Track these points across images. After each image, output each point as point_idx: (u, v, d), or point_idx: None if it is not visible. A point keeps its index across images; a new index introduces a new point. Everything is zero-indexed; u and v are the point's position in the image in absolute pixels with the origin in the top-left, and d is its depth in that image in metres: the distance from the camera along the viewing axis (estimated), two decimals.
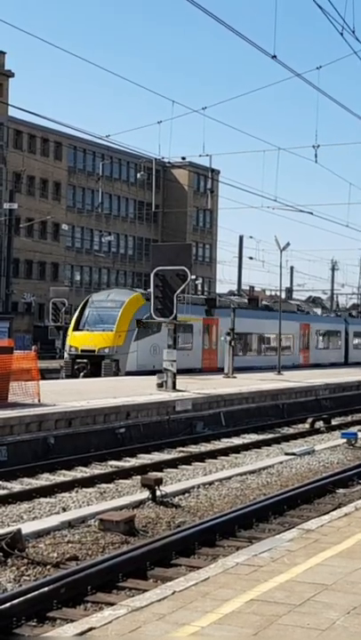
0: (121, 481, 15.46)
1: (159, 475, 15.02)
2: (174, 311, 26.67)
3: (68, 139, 70.73)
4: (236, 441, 21.90)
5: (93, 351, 34.64)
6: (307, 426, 25.10)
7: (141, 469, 16.42)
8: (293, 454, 18.76)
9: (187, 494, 14.07)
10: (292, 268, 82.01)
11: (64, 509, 12.84)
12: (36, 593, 8.04)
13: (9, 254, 53.58)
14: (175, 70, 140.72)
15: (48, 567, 9.45)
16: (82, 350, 34.96)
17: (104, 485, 15.04)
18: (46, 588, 8.15)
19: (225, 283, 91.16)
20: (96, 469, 17.07)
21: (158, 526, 11.67)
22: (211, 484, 15.01)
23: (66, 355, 36.26)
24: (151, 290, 27.06)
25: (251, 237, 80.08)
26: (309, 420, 25.47)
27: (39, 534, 10.88)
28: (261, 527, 11.73)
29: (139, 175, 58.49)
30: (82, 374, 34.13)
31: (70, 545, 10.47)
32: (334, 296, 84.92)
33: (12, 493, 14.02)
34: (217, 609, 6.30)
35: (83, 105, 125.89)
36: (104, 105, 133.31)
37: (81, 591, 8.45)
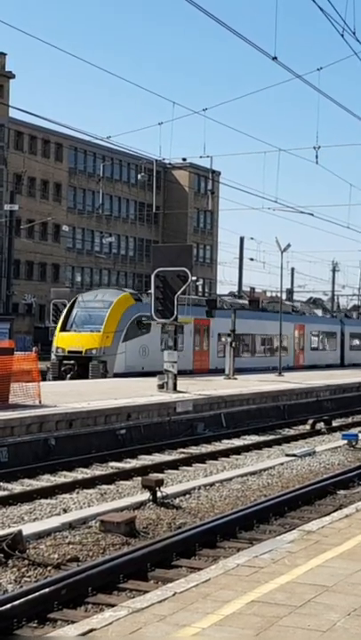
0: (122, 482, 15.46)
1: (160, 476, 15.01)
2: (175, 312, 26.67)
3: (68, 140, 70.77)
4: (237, 442, 21.90)
5: (81, 352, 34.02)
6: (307, 427, 25.10)
7: (142, 470, 16.42)
8: (294, 455, 18.76)
9: (187, 495, 14.06)
10: (292, 269, 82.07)
11: (65, 510, 12.83)
12: (37, 594, 8.04)
13: (10, 255, 53.60)
14: (176, 71, 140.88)
15: (49, 568, 9.45)
16: (69, 351, 34.32)
17: (105, 486, 15.04)
18: (47, 590, 8.15)
19: (226, 284, 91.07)
20: (97, 470, 17.07)
21: (159, 527, 11.67)
22: (211, 485, 15.00)
23: (53, 356, 35.63)
24: (152, 290, 27.05)
25: (251, 239, 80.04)
26: (310, 422, 25.47)
27: (40, 535, 10.88)
28: (262, 528, 11.72)
29: (139, 176, 58.63)
30: (69, 376, 33.57)
31: (71, 546, 10.47)
32: (335, 297, 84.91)
33: (12, 494, 14.02)
34: (218, 610, 6.30)
35: (83, 106, 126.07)
36: (104, 106, 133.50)
37: (82, 592, 8.45)
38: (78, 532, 11.22)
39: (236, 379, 34.51)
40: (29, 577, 9.20)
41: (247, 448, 20.51)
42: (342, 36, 21.25)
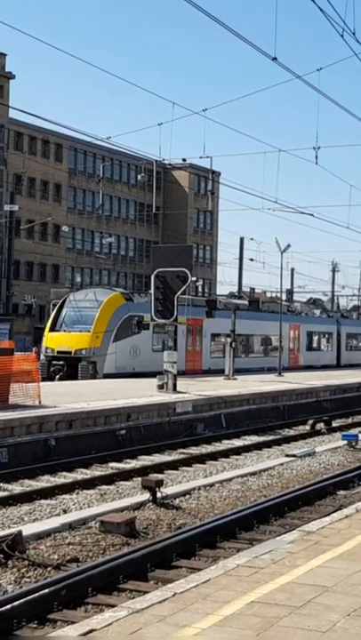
0: (121, 482, 15.46)
1: (160, 476, 15.01)
2: (175, 313, 26.67)
3: (68, 140, 70.76)
4: (237, 442, 21.90)
5: (70, 353, 33.53)
6: (307, 427, 25.11)
7: (142, 471, 16.42)
8: (294, 456, 18.76)
9: (187, 496, 14.06)
10: (292, 269, 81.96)
11: (65, 511, 12.84)
12: (37, 595, 8.04)
13: (9, 256, 53.60)
14: (175, 72, 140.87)
15: (49, 569, 9.45)
16: (58, 352, 33.82)
17: (105, 487, 15.04)
18: (47, 590, 8.15)
19: (226, 284, 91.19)
20: (97, 471, 17.08)
21: (159, 528, 11.67)
22: (211, 485, 15.01)
23: (42, 356, 34.93)
24: (152, 291, 27.05)
25: (251, 239, 79.74)
26: (310, 422, 25.48)
27: (40, 536, 10.88)
28: (262, 529, 11.72)
29: (139, 177, 58.61)
30: (57, 377, 33.17)
31: (71, 547, 10.47)
32: (335, 298, 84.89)
33: (12, 495, 14.03)
34: (218, 611, 6.30)
35: (83, 106, 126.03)
36: (104, 106, 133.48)
37: (81, 593, 8.45)
38: (78, 532, 11.22)
39: (235, 379, 34.51)
40: (29, 577, 9.20)
41: (247, 448, 20.51)
42: (342, 36, 21.25)
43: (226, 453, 19.55)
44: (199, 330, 39.60)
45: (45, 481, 15.88)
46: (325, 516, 10.83)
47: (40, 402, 20.85)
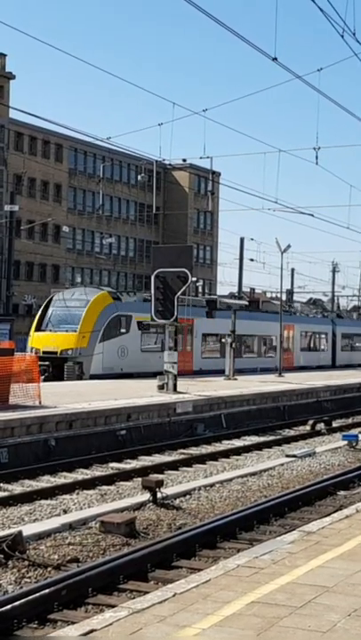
0: (122, 483, 15.46)
1: (160, 476, 15.01)
2: (175, 313, 26.68)
3: (68, 141, 70.75)
4: (237, 443, 21.90)
5: (56, 353, 32.87)
6: (308, 428, 25.11)
7: (142, 471, 16.42)
8: (294, 456, 18.76)
9: (188, 496, 14.07)
10: (292, 269, 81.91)
11: (65, 511, 12.84)
12: (37, 595, 8.04)
13: (10, 256, 53.56)
14: (176, 72, 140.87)
15: (49, 569, 9.45)
16: (44, 352, 32.95)
17: (105, 487, 15.04)
18: (47, 590, 8.16)
19: (226, 285, 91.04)
20: (97, 471, 17.08)
21: (159, 528, 11.67)
22: (212, 485, 15.01)
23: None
24: (152, 291, 27.05)
25: (251, 239, 79.75)
26: (310, 422, 25.49)
27: (40, 536, 10.88)
28: (262, 529, 11.72)
29: (139, 177, 58.55)
30: (43, 377, 32.76)
31: (71, 547, 10.47)
32: (335, 298, 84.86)
33: (12, 495, 14.03)
34: (218, 611, 6.30)
35: (83, 107, 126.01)
36: (104, 107, 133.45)
37: (82, 593, 8.45)
38: (78, 532, 11.22)
39: (236, 379, 34.50)
40: (29, 578, 9.20)
41: (247, 449, 20.52)
42: (342, 36, 21.24)
43: (226, 454, 19.55)
44: (190, 330, 38.86)
45: (46, 481, 15.88)
46: (326, 516, 10.84)
47: (40, 402, 20.85)
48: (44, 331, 34.45)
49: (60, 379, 32.13)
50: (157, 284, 26.56)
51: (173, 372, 26.67)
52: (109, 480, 15.65)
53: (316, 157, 36.40)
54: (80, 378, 32.24)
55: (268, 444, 21.38)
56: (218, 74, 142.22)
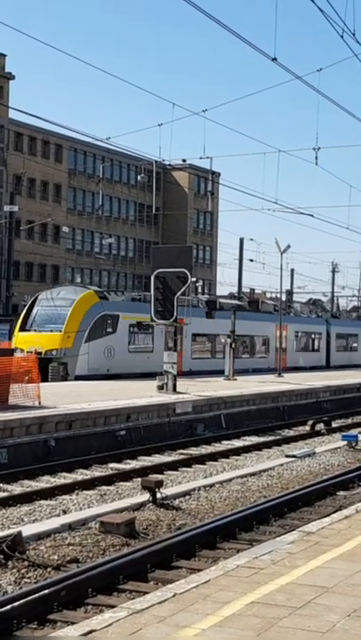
0: (121, 483, 15.46)
1: (160, 477, 15.01)
2: (175, 313, 26.67)
3: (68, 141, 70.74)
4: (237, 443, 21.90)
5: (40, 353, 31.76)
6: (307, 428, 25.11)
7: (142, 472, 16.42)
8: (294, 456, 18.76)
9: (187, 496, 14.07)
10: (292, 270, 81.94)
11: (64, 512, 12.84)
12: (37, 595, 8.04)
13: (9, 256, 53.58)
14: (176, 72, 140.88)
15: (49, 569, 9.45)
16: (28, 352, 31.89)
17: (104, 488, 15.04)
18: (47, 591, 8.16)
19: (225, 285, 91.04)
20: (96, 472, 17.08)
21: (159, 528, 11.67)
22: (211, 486, 15.01)
23: None
24: (152, 292, 27.04)
25: (251, 240, 79.72)
26: (310, 423, 25.49)
27: (40, 537, 10.88)
28: (262, 529, 11.72)
29: (139, 177, 58.60)
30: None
31: (71, 547, 10.47)
32: (335, 298, 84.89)
33: (12, 496, 14.03)
34: (218, 611, 6.30)
35: (83, 107, 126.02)
36: (104, 107, 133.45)
37: (81, 593, 8.45)
38: (78, 533, 11.22)
39: (235, 379, 34.49)
40: (29, 578, 9.20)
41: (247, 449, 20.52)
42: (342, 37, 21.22)
43: (226, 454, 19.55)
44: (180, 330, 37.90)
45: (45, 481, 15.88)
46: (325, 516, 10.83)
47: (40, 402, 20.85)
48: (28, 331, 33.72)
49: (45, 380, 31.08)
50: (157, 285, 26.56)
51: (173, 373, 26.67)
52: (109, 480, 15.65)
53: (316, 158, 36.24)
54: (65, 379, 31.59)
55: (268, 445, 21.38)
56: (218, 74, 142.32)
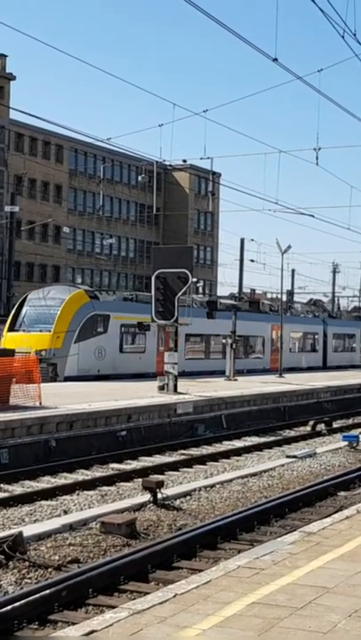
0: (122, 483, 15.46)
1: (160, 477, 15.01)
2: (175, 314, 26.67)
3: (69, 141, 70.73)
4: (238, 443, 21.90)
5: (28, 354, 31.13)
6: (308, 428, 25.11)
7: (143, 472, 16.42)
8: (295, 457, 18.76)
9: (188, 497, 14.07)
10: (293, 270, 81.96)
11: (65, 512, 12.84)
12: (38, 596, 8.04)
13: (10, 257, 53.58)
14: (176, 73, 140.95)
15: (49, 570, 9.45)
16: (17, 353, 32.57)
17: (105, 488, 15.04)
18: (48, 591, 8.16)
19: (226, 285, 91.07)
20: (97, 472, 17.08)
21: (160, 529, 11.67)
22: (212, 486, 15.01)
23: None
24: (152, 292, 27.04)
25: (252, 240, 79.81)
26: (311, 423, 25.48)
27: (40, 537, 10.88)
28: (263, 530, 11.72)
29: (140, 178, 58.62)
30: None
31: (72, 548, 10.47)
32: (335, 299, 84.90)
33: (13, 496, 14.03)
34: (219, 612, 6.30)
35: (83, 107, 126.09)
36: (104, 107, 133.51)
37: (82, 594, 8.45)
38: (79, 533, 11.22)
39: (236, 380, 34.49)
40: (30, 578, 9.20)
41: (248, 449, 20.51)
42: (343, 37, 21.22)
43: (226, 454, 19.55)
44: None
45: (46, 482, 15.87)
46: (326, 517, 10.83)
47: (41, 403, 20.85)
48: (17, 331, 33.24)
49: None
50: (158, 285, 26.56)
51: (174, 373, 26.68)
52: (110, 481, 15.65)
53: (317, 158, 36.25)
54: (54, 380, 31.14)
55: (269, 445, 21.37)
56: (218, 74, 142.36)
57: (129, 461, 18.44)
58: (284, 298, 52.74)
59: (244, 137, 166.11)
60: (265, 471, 16.82)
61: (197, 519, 12.33)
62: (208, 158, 34.95)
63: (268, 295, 78.51)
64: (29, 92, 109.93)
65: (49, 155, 72.98)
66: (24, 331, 33.06)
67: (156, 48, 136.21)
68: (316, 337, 52.34)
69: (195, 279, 37.37)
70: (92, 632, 5.90)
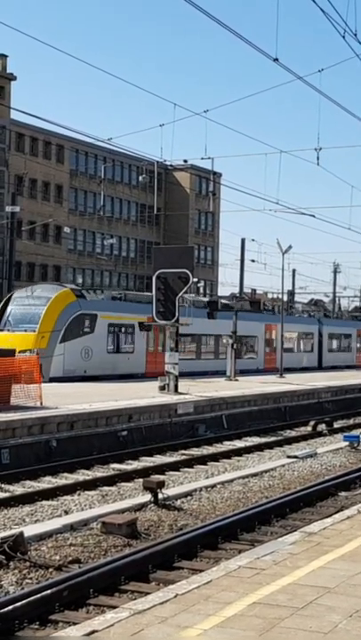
0: (123, 484, 15.46)
1: (161, 477, 15.02)
2: (176, 314, 26.67)
3: (69, 142, 70.74)
4: (239, 444, 21.90)
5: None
6: (309, 428, 25.10)
7: (144, 472, 16.42)
8: (296, 457, 18.76)
9: (189, 497, 14.07)
10: (294, 270, 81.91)
11: (66, 512, 12.84)
12: (39, 596, 8.04)
13: (11, 257, 53.56)
14: (177, 73, 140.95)
15: (50, 570, 9.45)
16: None
17: (106, 488, 15.04)
18: (48, 591, 8.16)
19: (227, 285, 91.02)
20: (98, 472, 17.08)
21: (160, 529, 11.67)
22: (213, 486, 15.01)
23: None
24: (153, 292, 27.04)
25: (253, 240, 79.76)
26: (312, 423, 25.48)
27: (41, 537, 10.88)
28: (264, 530, 11.72)
29: (141, 178, 58.62)
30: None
31: (72, 548, 10.47)
32: (336, 299, 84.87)
33: (14, 496, 14.03)
34: (219, 612, 6.30)
35: (84, 108, 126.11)
36: (106, 108, 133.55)
37: (83, 594, 8.45)
38: (80, 533, 11.22)
39: (237, 380, 34.49)
40: (31, 578, 9.21)
41: (248, 449, 20.51)
42: (343, 37, 21.21)
43: (227, 454, 19.55)
44: (161, 329, 34.08)
45: (47, 482, 15.88)
46: (327, 517, 10.83)
47: (42, 403, 20.86)
48: (1, 330, 32.69)
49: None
50: (158, 285, 26.56)
51: (175, 373, 26.68)
52: (111, 481, 15.65)
53: (318, 158, 36.18)
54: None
55: (270, 445, 21.37)
56: (219, 74, 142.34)
57: (130, 461, 18.44)
58: (285, 298, 52.72)
59: (245, 137, 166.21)
60: (266, 471, 16.82)
61: (198, 519, 12.33)
62: (209, 158, 34.94)
63: (269, 295, 78.48)
64: (30, 92, 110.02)
65: (50, 155, 72.99)
66: (8, 330, 32.50)
67: (156, 48, 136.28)
68: (312, 337, 51.91)
69: (195, 279, 37.18)
70: (92, 632, 5.90)
